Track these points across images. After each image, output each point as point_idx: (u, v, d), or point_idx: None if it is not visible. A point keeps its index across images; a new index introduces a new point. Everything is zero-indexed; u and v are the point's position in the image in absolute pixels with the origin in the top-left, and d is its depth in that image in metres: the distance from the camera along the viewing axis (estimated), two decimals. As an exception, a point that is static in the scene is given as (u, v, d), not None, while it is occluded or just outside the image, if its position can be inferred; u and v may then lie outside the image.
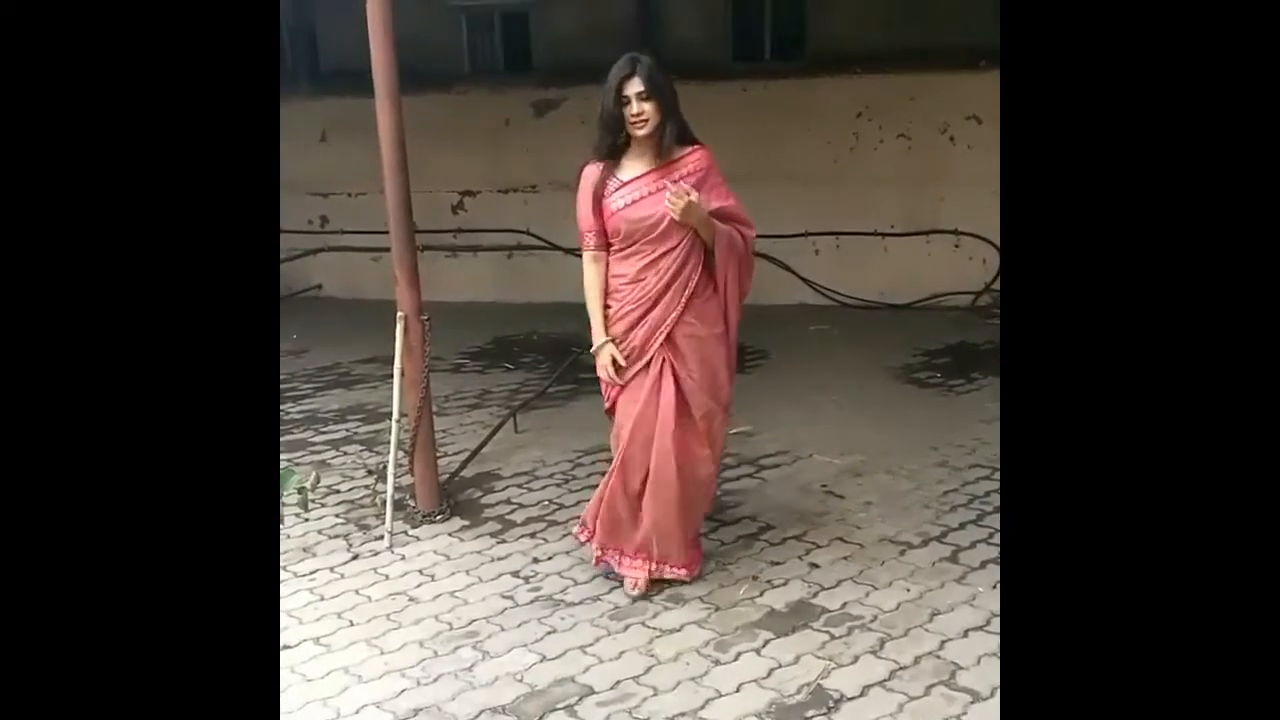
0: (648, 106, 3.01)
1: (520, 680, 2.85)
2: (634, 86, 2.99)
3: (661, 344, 3.12)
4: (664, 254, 3.08)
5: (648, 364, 3.15)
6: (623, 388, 3.19)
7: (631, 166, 3.11)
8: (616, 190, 3.09)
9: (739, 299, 3.25)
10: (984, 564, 3.40)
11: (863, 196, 7.40)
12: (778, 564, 3.49)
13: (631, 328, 3.14)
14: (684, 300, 3.09)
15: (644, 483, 3.21)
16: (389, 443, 4.01)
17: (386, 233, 3.94)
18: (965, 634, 2.97)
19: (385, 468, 4.02)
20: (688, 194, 2.93)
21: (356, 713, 2.74)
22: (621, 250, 3.14)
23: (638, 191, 3.08)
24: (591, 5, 7.98)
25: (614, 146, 3.08)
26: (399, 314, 3.90)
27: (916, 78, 7.10)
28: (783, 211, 7.43)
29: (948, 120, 7.14)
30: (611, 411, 3.31)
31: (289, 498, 3.98)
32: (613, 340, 3.18)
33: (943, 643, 2.93)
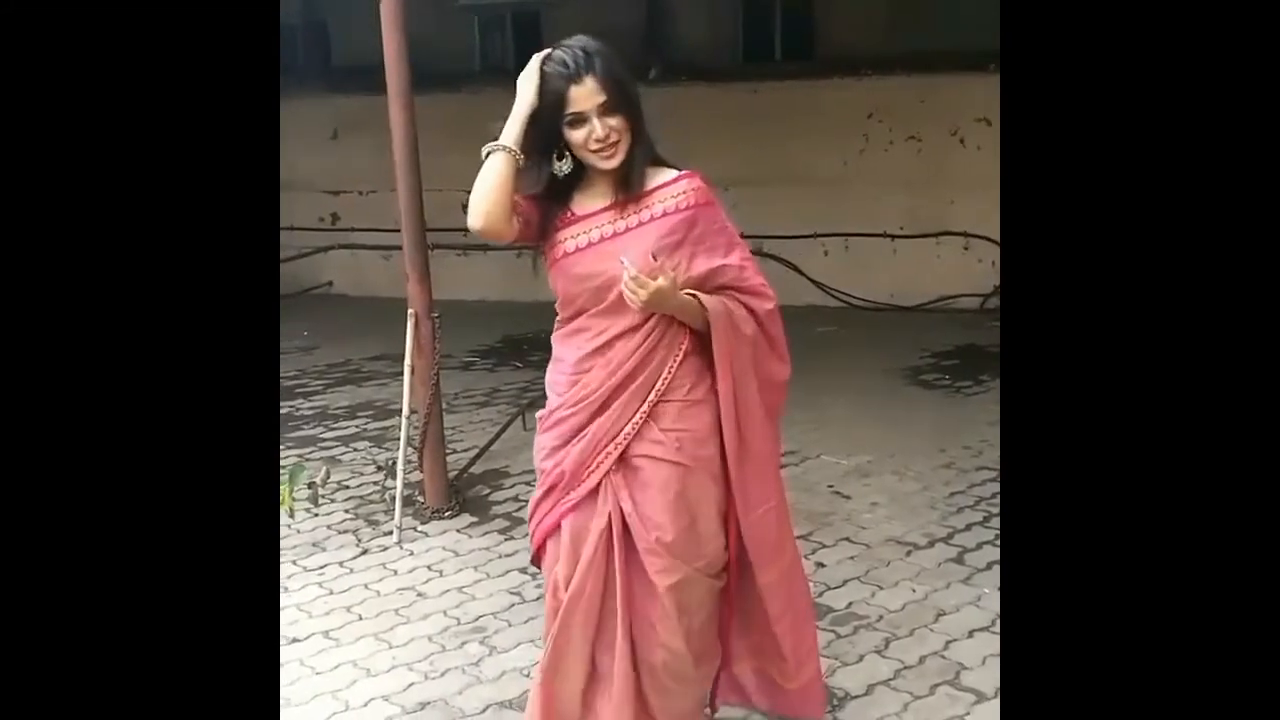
0: (615, 124, 1.95)
1: (527, 675, 2.87)
2: (592, 96, 1.92)
3: (608, 471, 2.03)
4: (619, 336, 2.02)
5: (595, 490, 2.06)
6: (557, 520, 2.10)
7: (588, 197, 2.06)
8: (571, 224, 2.06)
9: (761, 411, 2.10)
10: (989, 565, 3.41)
11: (872, 198, 7.40)
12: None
13: (565, 442, 2.06)
14: (648, 406, 2.01)
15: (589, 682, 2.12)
16: (398, 439, 4.04)
17: (397, 231, 3.97)
18: (970, 634, 2.98)
19: (395, 464, 4.04)
20: (654, 278, 1.88)
21: (365, 705, 2.77)
22: (566, 323, 2.12)
23: (589, 235, 2.03)
24: (603, 6, 8.00)
25: (555, 181, 2.04)
26: (409, 311, 3.93)
27: (926, 80, 7.09)
28: (791, 212, 7.44)
29: (957, 122, 7.13)
30: (538, 559, 2.21)
31: (299, 493, 4.00)
32: (539, 455, 2.15)
33: (948, 643, 2.94)
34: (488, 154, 1.98)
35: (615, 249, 1.98)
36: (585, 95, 1.92)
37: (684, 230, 2.02)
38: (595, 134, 1.94)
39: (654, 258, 1.93)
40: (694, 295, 2.00)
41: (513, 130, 1.98)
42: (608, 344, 2.03)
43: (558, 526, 2.09)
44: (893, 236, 7.45)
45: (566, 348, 2.11)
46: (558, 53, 1.97)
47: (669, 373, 2.03)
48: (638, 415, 2.02)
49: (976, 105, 6.94)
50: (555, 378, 2.14)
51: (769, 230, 7.47)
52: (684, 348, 2.04)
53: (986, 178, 6.93)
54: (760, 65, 8.17)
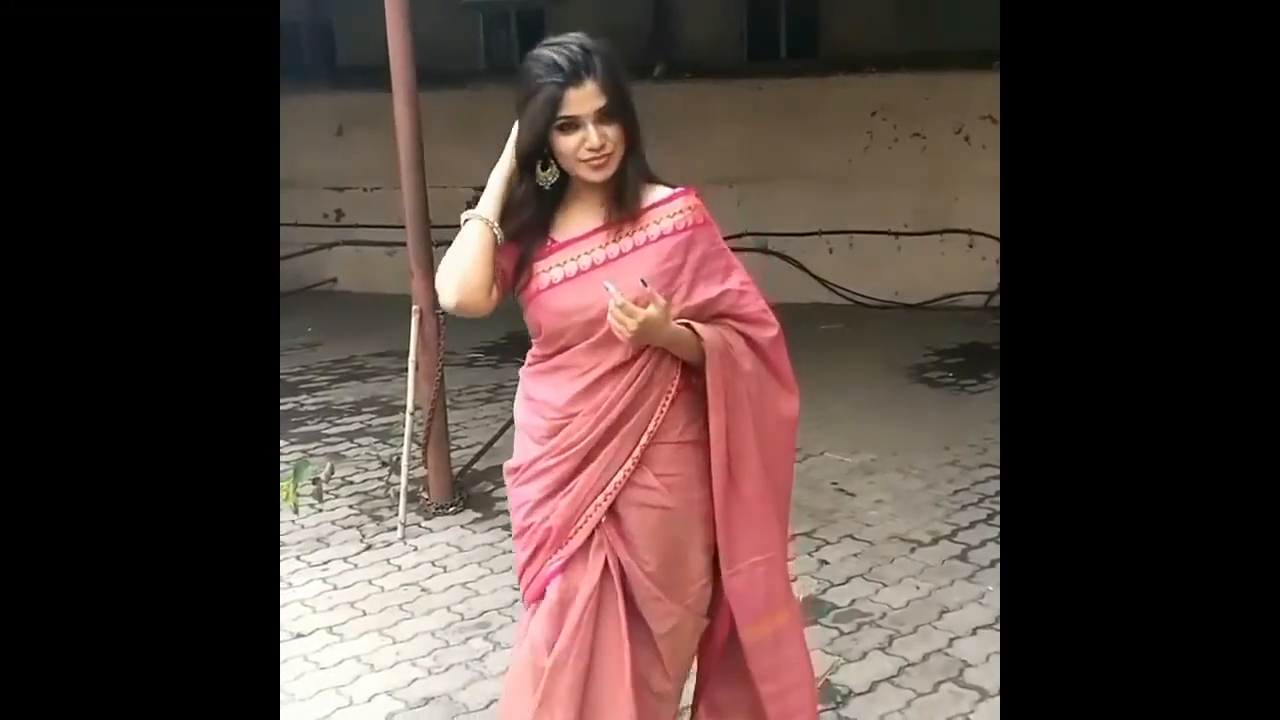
0: (611, 133, 1.74)
1: (531, 671, 2.88)
2: (590, 99, 1.71)
3: (599, 523, 1.83)
4: (608, 374, 1.80)
5: (583, 546, 1.85)
6: (545, 582, 1.87)
7: (571, 220, 1.85)
8: (554, 252, 1.83)
9: (757, 452, 1.88)
10: (993, 562, 3.41)
11: (876, 195, 7.40)
12: (787, 560, 3.50)
13: (549, 495, 1.85)
14: (639, 450, 1.81)
15: None
16: (403, 435, 4.04)
17: (402, 227, 3.98)
18: (974, 632, 2.98)
19: (399, 460, 4.05)
20: (645, 305, 1.69)
21: (369, 701, 2.78)
22: (543, 360, 1.88)
23: (579, 261, 1.82)
24: (608, 3, 8.00)
25: (537, 199, 1.83)
26: (414, 308, 3.94)
27: (931, 77, 7.09)
28: (796, 210, 7.45)
29: (962, 120, 7.13)
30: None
31: (304, 488, 4.02)
32: (520, 512, 1.91)
33: (951, 640, 2.95)
34: (465, 221, 1.82)
35: (610, 277, 1.74)
36: (583, 98, 1.70)
37: (683, 254, 1.80)
38: (589, 142, 1.72)
39: (643, 283, 1.70)
40: (688, 325, 1.79)
41: (491, 199, 1.81)
42: (596, 383, 1.80)
43: (545, 589, 1.87)
44: (897, 234, 7.45)
45: (545, 388, 1.87)
46: (549, 52, 1.74)
47: (661, 413, 1.82)
48: (629, 461, 1.81)
49: (981, 103, 6.94)
50: (531, 421, 1.89)
51: (774, 227, 7.47)
52: (676, 384, 1.83)
53: (991, 175, 6.89)
54: (765, 63, 8.17)
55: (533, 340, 1.90)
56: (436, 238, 4.06)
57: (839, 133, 7.41)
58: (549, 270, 1.82)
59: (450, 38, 8.68)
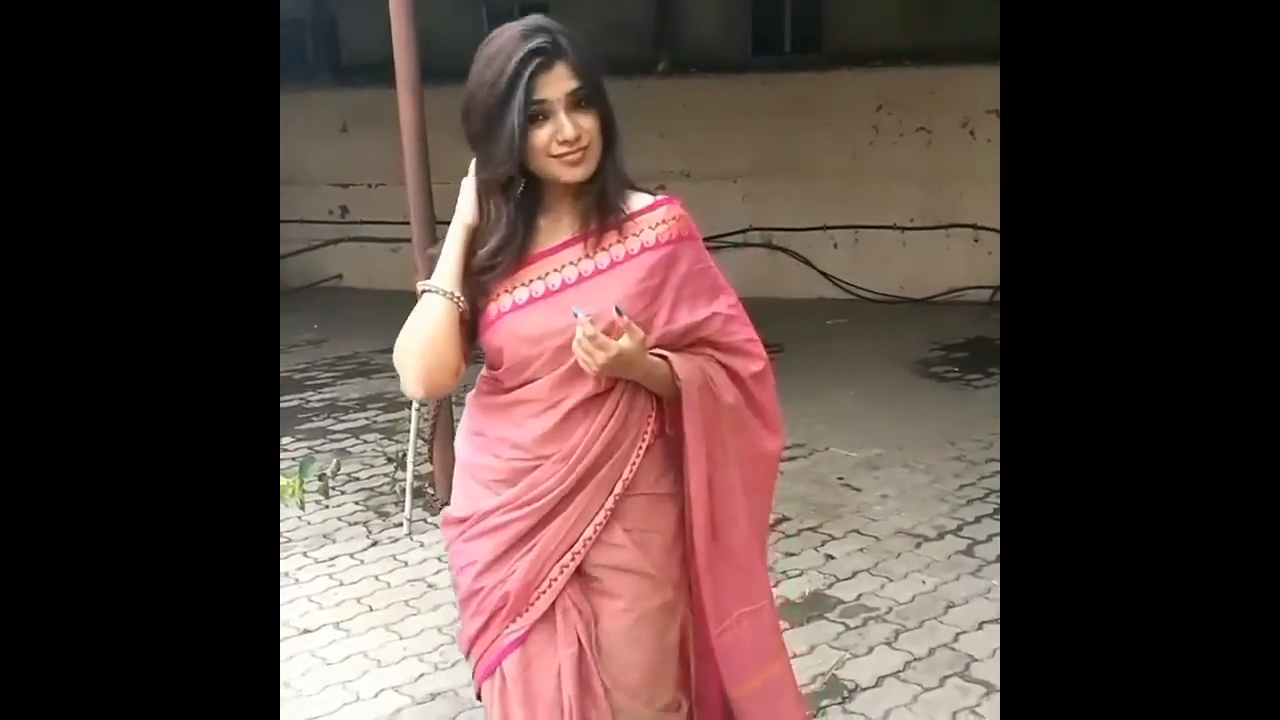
0: (586, 123, 1.51)
1: (537, 667, 2.88)
2: (561, 82, 1.48)
3: (564, 587, 1.60)
4: (578, 410, 1.57)
5: (546, 615, 1.61)
6: (499, 658, 1.62)
7: (539, 235, 1.60)
8: (515, 272, 1.59)
9: (743, 498, 1.66)
10: (999, 557, 3.41)
11: (882, 190, 7.39)
12: (793, 555, 3.51)
13: (504, 553, 1.60)
14: (613, 501, 1.59)
15: None
16: (409, 431, 4.05)
17: (406, 223, 3.98)
18: (980, 626, 2.99)
19: (405, 456, 4.06)
20: (617, 336, 1.49)
21: (376, 696, 2.78)
22: (502, 393, 1.63)
23: (548, 279, 1.58)
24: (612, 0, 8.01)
25: (523, 224, 1.57)
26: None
27: (936, 71, 7.08)
28: (801, 205, 7.44)
29: (968, 114, 7.11)
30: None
31: (310, 485, 4.02)
32: (468, 573, 1.65)
33: (957, 635, 2.95)
34: (422, 292, 1.59)
35: (584, 298, 1.52)
36: (553, 82, 1.47)
37: (664, 271, 1.57)
38: (563, 133, 1.48)
39: (618, 312, 1.49)
40: (663, 357, 1.56)
41: (449, 264, 1.58)
42: (565, 421, 1.56)
43: (499, 665, 1.62)
44: (903, 229, 7.43)
45: (502, 423, 1.62)
46: (506, 35, 1.50)
47: (637, 457, 1.59)
48: (600, 515, 1.57)
49: (986, 97, 6.91)
50: (481, 460, 1.64)
51: (779, 222, 7.46)
52: (652, 426, 1.61)
53: (996, 170, 6.90)
54: (769, 58, 8.16)
55: (488, 369, 1.65)
56: (441, 234, 4.06)
57: (844, 128, 7.40)
58: (513, 291, 1.57)
59: (454, 33, 8.67)
